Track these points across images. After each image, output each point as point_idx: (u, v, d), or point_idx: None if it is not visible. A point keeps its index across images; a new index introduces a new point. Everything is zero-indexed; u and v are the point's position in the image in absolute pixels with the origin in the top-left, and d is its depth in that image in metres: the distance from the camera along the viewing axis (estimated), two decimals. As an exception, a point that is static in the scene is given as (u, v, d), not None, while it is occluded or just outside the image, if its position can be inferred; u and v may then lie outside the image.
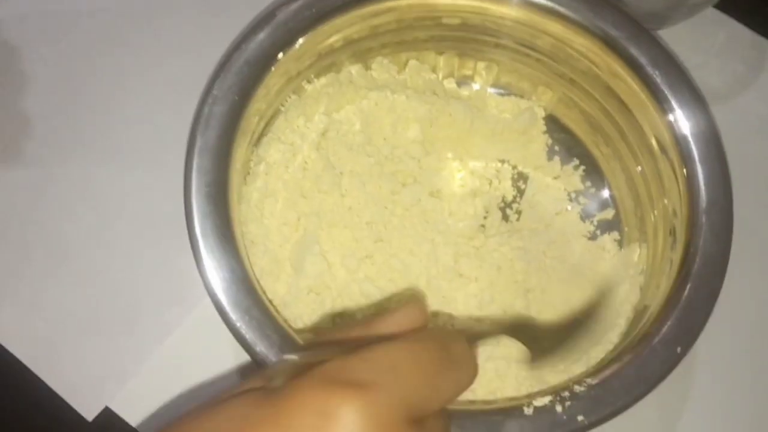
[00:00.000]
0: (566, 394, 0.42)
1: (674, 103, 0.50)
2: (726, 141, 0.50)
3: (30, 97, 0.58)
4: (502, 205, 0.58)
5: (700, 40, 0.64)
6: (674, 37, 0.59)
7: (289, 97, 0.54)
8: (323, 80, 0.55)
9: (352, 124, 0.56)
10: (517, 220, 0.57)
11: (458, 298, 0.53)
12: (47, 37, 0.60)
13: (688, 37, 0.63)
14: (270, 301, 0.45)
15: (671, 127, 0.50)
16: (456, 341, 0.35)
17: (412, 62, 0.59)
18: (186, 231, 0.45)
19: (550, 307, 0.54)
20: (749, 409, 0.53)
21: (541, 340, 0.52)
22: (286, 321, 0.45)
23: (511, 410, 0.42)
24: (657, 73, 0.51)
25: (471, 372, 0.35)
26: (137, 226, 0.55)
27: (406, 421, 0.30)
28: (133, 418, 0.50)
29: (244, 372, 0.51)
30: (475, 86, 0.61)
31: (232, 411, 0.30)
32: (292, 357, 0.30)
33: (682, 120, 0.50)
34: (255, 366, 0.42)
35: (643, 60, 0.51)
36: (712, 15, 0.65)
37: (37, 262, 0.54)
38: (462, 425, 0.41)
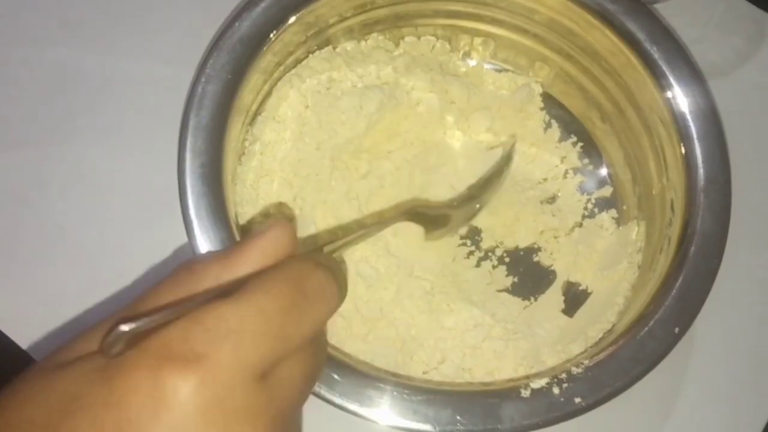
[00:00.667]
0: (563, 375, 0.43)
1: (672, 79, 0.50)
2: (725, 117, 0.49)
3: (23, 78, 0.58)
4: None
5: (697, 14, 0.63)
6: (672, 11, 0.58)
7: (284, 75, 0.53)
8: (318, 57, 0.55)
9: (346, 96, 0.56)
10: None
11: (459, 271, 0.53)
12: (39, 16, 0.59)
13: (685, 11, 0.62)
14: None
15: (669, 104, 0.50)
16: (312, 273, 0.32)
17: (408, 38, 0.58)
18: (180, 212, 0.45)
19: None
20: (747, 390, 0.53)
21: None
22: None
23: (508, 392, 0.42)
24: (654, 48, 0.50)
25: (331, 302, 0.33)
26: (131, 207, 0.54)
27: (252, 379, 0.28)
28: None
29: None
30: (472, 62, 0.60)
31: (63, 386, 0.28)
32: (132, 326, 0.27)
33: (680, 96, 0.50)
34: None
35: (640, 35, 0.51)
36: (709, -12, 0.64)
37: (31, 244, 0.53)
38: (459, 407, 0.41)
